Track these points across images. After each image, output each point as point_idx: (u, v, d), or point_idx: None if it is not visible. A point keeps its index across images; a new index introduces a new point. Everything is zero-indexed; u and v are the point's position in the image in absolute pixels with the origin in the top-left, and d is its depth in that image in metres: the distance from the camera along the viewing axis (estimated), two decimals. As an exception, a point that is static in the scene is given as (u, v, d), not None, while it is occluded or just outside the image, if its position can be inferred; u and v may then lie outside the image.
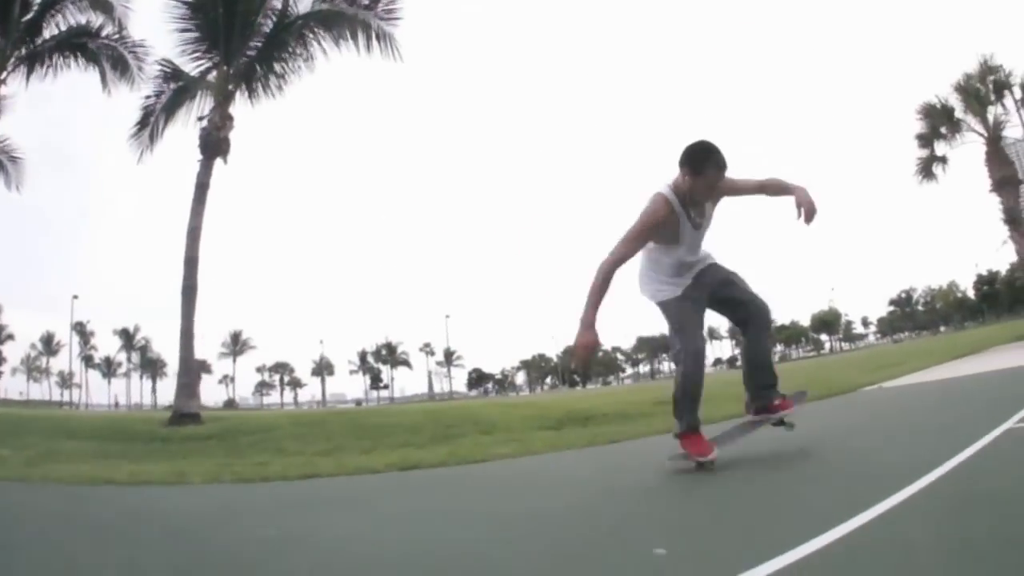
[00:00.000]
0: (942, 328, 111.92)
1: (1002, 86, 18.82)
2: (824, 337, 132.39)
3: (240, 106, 14.36)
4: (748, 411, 4.10)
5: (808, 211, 3.62)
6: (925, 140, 19.53)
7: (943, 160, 19.39)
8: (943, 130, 19.11)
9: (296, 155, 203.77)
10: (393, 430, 8.50)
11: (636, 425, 7.53)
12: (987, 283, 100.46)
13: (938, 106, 19.11)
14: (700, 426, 3.91)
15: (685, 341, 3.83)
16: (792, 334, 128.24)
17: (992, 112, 19.02)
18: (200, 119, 13.59)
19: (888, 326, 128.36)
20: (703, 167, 3.57)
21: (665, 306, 3.95)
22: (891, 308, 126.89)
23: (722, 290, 3.95)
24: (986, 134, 18.73)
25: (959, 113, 19.27)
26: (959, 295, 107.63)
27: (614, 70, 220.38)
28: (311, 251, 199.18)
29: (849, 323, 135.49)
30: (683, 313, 3.87)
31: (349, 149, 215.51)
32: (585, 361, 3.61)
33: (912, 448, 3.47)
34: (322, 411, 15.37)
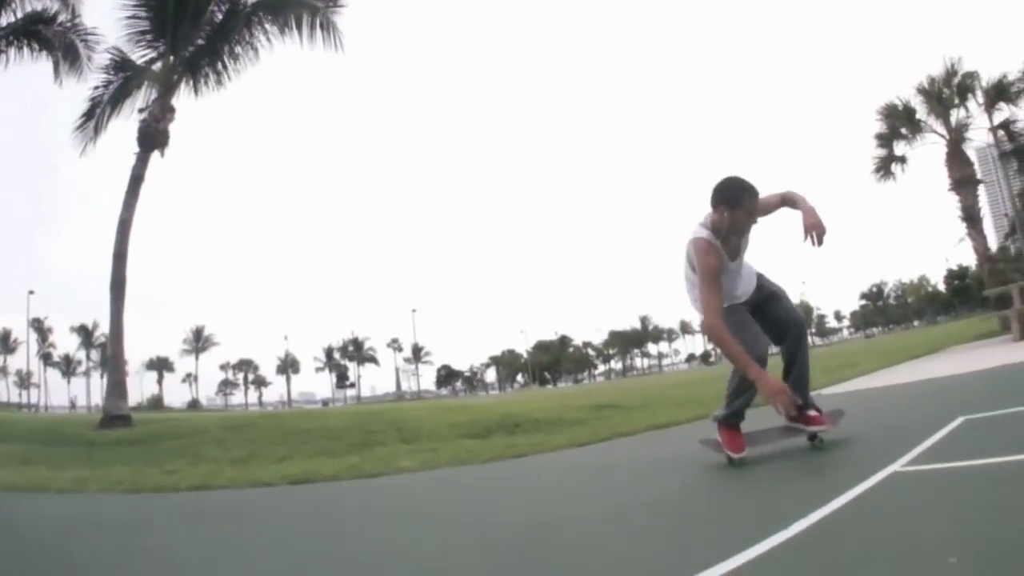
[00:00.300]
0: (915, 323, 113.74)
1: (966, 89, 19.34)
2: None
3: (194, 98, 14.32)
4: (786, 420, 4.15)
5: (818, 234, 3.80)
6: (884, 140, 20.01)
7: (902, 160, 19.83)
8: (903, 130, 19.58)
9: (262, 148, 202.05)
10: (315, 436, 8.43)
11: (565, 434, 7.52)
12: (957, 277, 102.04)
13: (899, 107, 19.61)
14: (741, 423, 4.13)
15: (748, 348, 3.87)
16: None
17: (955, 114, 19.52)
18: (141, 111, 13.43)
19: (861, 320, 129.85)
20: (739, 199, 3.81)
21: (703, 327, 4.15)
22: (863, 302, 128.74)
23: (764, 303, 4.16)
24: (947, 135, 19.23)
25: (922, 115, 19.75)
26: (930, 289, 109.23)
27: (572, 66, 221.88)
28: (276, 244, 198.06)
29: (822, 317, 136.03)
30: (737, 324, 3.93)
31: (315, 142, 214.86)
32: (791, 405, 3.68)
33: (782, 494, 3.27)
34: (256, 413, 14.90)
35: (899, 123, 19.39)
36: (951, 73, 19.44)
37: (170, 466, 6.46)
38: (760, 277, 4.24)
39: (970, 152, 19.79)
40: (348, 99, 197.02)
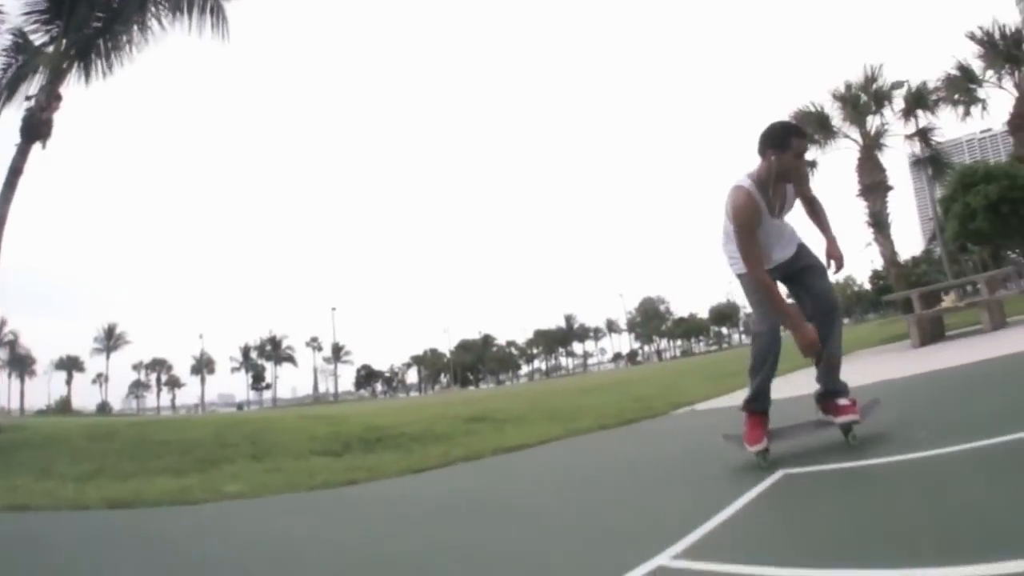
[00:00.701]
0: (846, 320, 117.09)
1: (883, 97, 20.04)
2: (726, 331, 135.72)
3: (84, 85, 13.66)
4: (817, 407, 4.17)
5: (839, 264, 4.02)
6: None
7: (813, 164, 20.43)
8: (817, 136, 20.17)
9: (176, 142, 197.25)
10: (171, 450, 8.07)
11: (425, 452, 7.43)
12: (882, 278, 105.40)
13: (813, 112, 20.19)
14: (767, 410, 4.03)
15: (767, 315, 3.93)
16: (691, 327, 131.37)
17: (872, 121, 20.20)
18: (28, 98, 12.75)
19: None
20: (787, 141, 3.75)
21: (745, 279, 4.03)
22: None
23: (803, 275, 4.08)
24: (861, 142, 19.89)
25: (837, 121, 20.36)
26: (856, 289, 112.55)
27: (500, 67, 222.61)
28: (192, 238, 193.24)
29: (749, 316, 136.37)
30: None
31: (230, 136, 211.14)
32: (819, 352, 3.78)
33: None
34: (123, 421, 14.13)
35: (812, 128, 19.90)
36: (870, 79, 20.08)
37: (17, 481, 6.25)
38: (801, 246, 4.15)
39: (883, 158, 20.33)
40: (272, 93, 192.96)
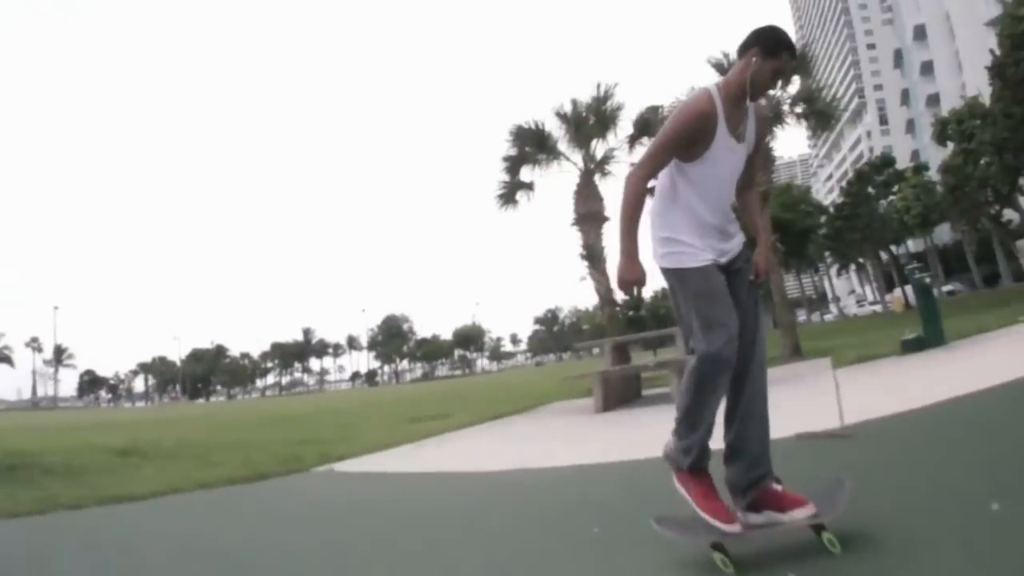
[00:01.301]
0: (595, 351, 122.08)
1: (609, 120, 18.87)
2: (473, 355, 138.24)
3: None
4: (736, 501, 3.00)
5: (759, 277, 3.20)
6: (512, 164, 19.09)
7: (529, 186, 19.21)
8: (538, 155, 18.75)
9: None
10: None
11: (46, 490, 6.96)
12: (633, 308, 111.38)
13: (532, 129, 18.71)
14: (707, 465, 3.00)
15: (715, 319, 2.87)
16: (433, 349, 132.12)
17: (595, 144, 18.98)
18: None
19: (538, 345, 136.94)
20: (778, 49, 3.02)
21: (686, 275, 3.00)
22: (536, 327, 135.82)
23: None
24: (582, 166, 18.62)
25: (563, 144, 19.01)
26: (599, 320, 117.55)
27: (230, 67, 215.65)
28: None
29: (498, 340, 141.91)
30: (713, 283, 2.95)
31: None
32: (633, 295, 3.03)
33: None
34: None
35: (529, 147, 18.42)
36: (600, 100, 18.88)
37: None
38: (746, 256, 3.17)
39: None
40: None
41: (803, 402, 7.35)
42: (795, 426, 5.35)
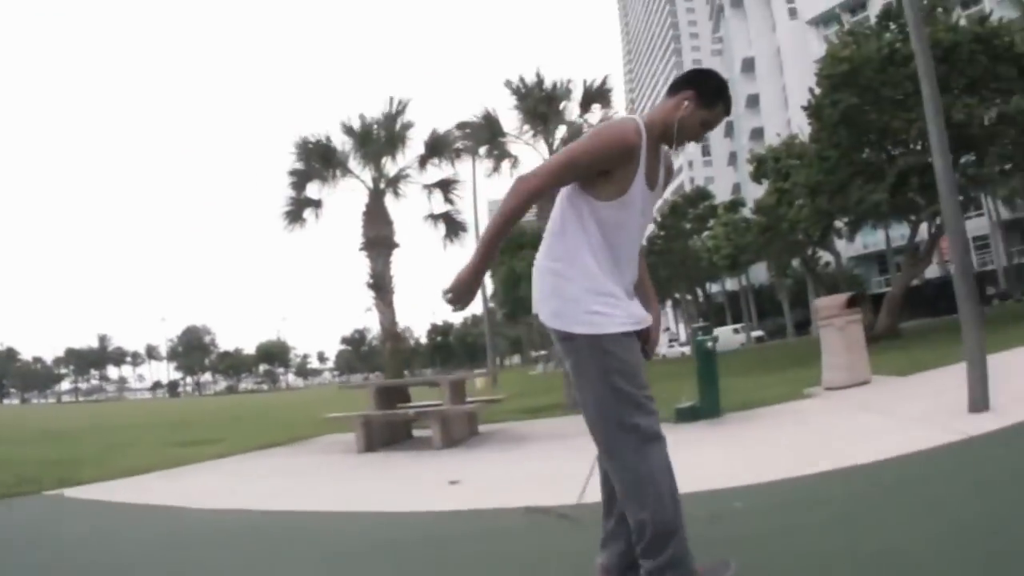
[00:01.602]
0: (406, 373, 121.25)
1: (398, 138, 17.66)
2: (279, 370, 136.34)
3: None
4: None
5: (650, 351, 2.78)
6: (299, 179, 17.63)
7: (317, 204, 17.87)
8: (326, 172, 17.32)
9: None
10: None
11: None
12: (441, 333, 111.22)
13: (318, 143, 17.30)
14: None
15: (645, 400, 2.50)
16: (236, 362, 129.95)
17: (386, 163, 17.70)
18: None
19: (345, 365, 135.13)
20: (716, 100, 2.66)
21: (607, 344, 2.47)
22: (343, 347, 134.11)
23: None
24: (371, 185, 17.26)
25: (353, 161, 17.66)
26: (412, 343, 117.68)
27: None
28: None
29: (305, 357, 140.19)
30: (637, 354, 2.57)
31: None
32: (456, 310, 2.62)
33: None
34: None
35: (315, 161, 17.03)
36: (391, 116, 17.68)
37: None
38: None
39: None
40: None
41: (553, 465, 6.98)
42: (530, 496, 5.09)
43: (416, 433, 11.31)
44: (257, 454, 10.69)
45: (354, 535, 4.73)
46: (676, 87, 2.75)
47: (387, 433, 10.49)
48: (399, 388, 11.57)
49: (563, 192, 2.67)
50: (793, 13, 70.99)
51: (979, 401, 6.56)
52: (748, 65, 78.02)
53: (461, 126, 17.66)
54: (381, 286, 16.89)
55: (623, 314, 2.53)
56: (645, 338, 2.75)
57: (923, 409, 7.28)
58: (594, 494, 5.07)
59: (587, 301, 2.51)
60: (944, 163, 7.08)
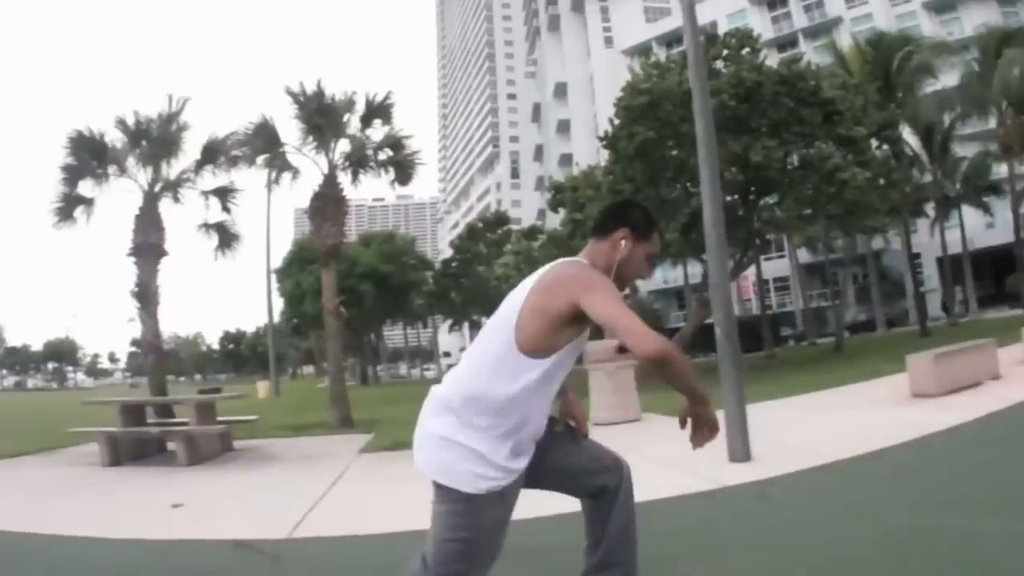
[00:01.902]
0: (197, 376, 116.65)
1: (172, 141, 16.97)
2: (68, 368, 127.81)
3: None
4: None
5: (583, 428, 2.89)
6: (71, 175, 16.51)
7: (90, 202, 16.76)
8: (99, 169, 16.30)
9: None
10: None
11: None
12: (233, 341, 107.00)
13: (91, 138, 16.33)
14: None
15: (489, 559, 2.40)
16: (23, 358, 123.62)
17: (164, 165, 16.96)
18: None
19: (138, 367, 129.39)
20: (651, 230, 2.72)
21: (481, 503, 2.34)
22: (133, 349, 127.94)
23: (557, 443, 2.74)
24: (146, 188, 16.41)
25: (132, 160, 16.69)
26: (204, 348, 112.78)
27: None
28: None
29: (96, 356, 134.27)
30: (507, 510, 2.43)
31: None
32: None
33: None
34: None
35: (89, 157, 16.32)
36: (169, 116, 16.94)
37: None
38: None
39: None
40: None
41: (285, 492, 6.98)
42: (247, 526, 5.06)
43: (171, 446, 10.93)
44: (3, 464, 10.25)
45: (44, 562, 4.53)
46: (605, 230, 2.70)
47: (137, 447, 10.22)
48: (139, 413, 11.16)
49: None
50: (609, 42, 73.58)
51: (738, 451, 6.74)
52: (561, 90, 79.55)
53: (234, 134, 17.18)
54: (145, 295, 16.03)
55: (504, 471, 2.39)
56: (572, 416, 2.87)
57: (682, 454, 7.25)
58: (308, 529, 5.23)
59: (484, 464, 2.39)
60: (714, 210, 7.19)
